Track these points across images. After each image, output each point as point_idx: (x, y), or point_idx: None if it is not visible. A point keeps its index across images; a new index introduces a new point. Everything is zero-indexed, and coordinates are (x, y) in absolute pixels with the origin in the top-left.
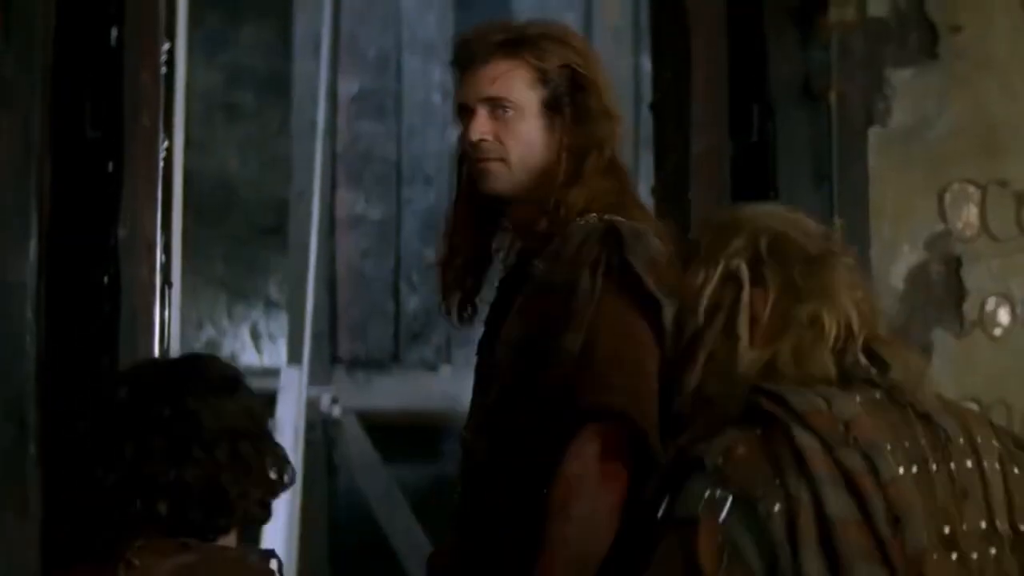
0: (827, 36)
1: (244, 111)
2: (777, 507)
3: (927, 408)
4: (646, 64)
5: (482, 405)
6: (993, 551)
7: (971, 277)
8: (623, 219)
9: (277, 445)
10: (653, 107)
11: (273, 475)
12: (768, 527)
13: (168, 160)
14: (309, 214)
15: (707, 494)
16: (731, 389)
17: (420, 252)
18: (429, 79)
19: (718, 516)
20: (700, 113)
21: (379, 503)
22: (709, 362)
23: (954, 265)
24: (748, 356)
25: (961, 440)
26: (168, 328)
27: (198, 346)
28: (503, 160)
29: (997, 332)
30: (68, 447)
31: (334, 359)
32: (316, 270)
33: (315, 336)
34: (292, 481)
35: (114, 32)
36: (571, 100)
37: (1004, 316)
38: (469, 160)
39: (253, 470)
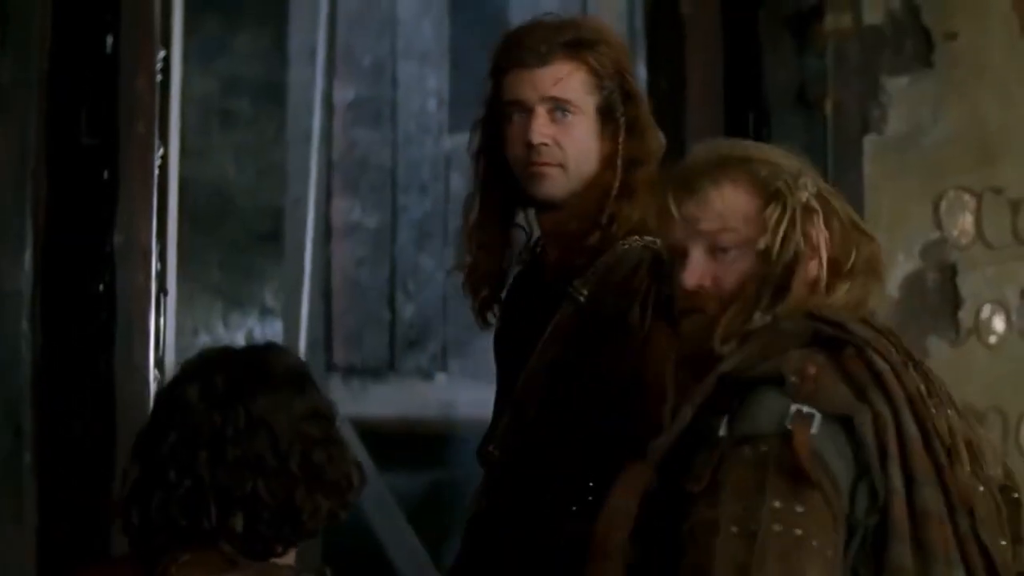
0: (823, 44)
1: (240, 118)
2: (867, 424)
3: (922, 359)
4: (641, 72)
5: (515, 423)
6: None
7: (966, 285)
8: None
9: (347, 448)
10: None
11: (344, 483)
12: (862, 443)
13: (163, 167)
14: (304, 222)
15: (792, 410)
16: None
17: (416, 260)
18: (425, 87)
19: (809, 430)
20: (696, 121)
21: (374, 511)
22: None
23: (949, 273)
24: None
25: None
26: (163, 335)
27: (193, 354)
28: (562, 165)
29: (992, 340)
30: (64, 452)
31: (329, 367)
32: (311, 278)
33: (310, 344)
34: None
35: (110, 39)
36: (624, 109)
37: (999, 324)
38: (521, 162)
39: (325, 481)
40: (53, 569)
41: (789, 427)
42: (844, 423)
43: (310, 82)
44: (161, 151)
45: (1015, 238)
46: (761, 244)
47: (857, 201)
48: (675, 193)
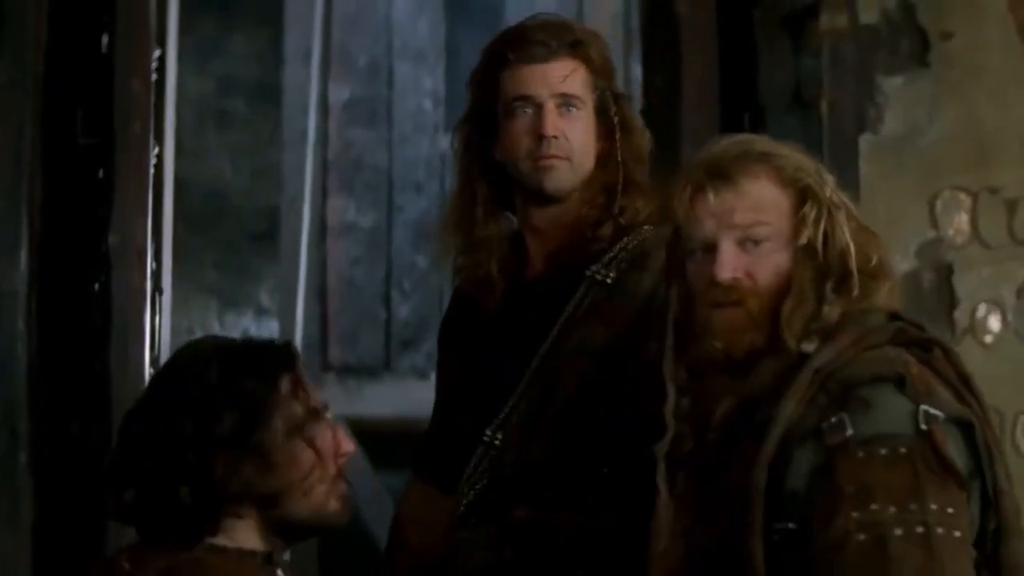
0: (818, 44)
1: (235, 118)
2: (978, 426)
3: None
4: (637, 71)
5: (532, 410)
6: None
7: (962, 284)
8: None
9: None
10: (644, 114)
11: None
12: (977, 445)
13: (159, 167)
14: (300, 221)
15: (921, 411)
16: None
17: (411, 259)
18: (420, 86)
19: (940, 431)
20: (691, 120)
21: (370, 510)
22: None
23: (945, 272)
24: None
25: None
26: (159, 335)
27: None
28: (569, 159)
29: (988, 339)
30: (60, 452)
31: (325, 366)
32: (307, 277)
33: (306, 343)
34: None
35: (105, 39)
36: (616, 108)
37: (995, 323)
38: (528, 156)
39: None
40: (49, 569)
41: (924, 427)
42: (959, 425)
43: (305, 82)
44: (157, 151)
45: (1011, 238)
46: (803, 239)
47: (853, 201)
48: (711, 182)
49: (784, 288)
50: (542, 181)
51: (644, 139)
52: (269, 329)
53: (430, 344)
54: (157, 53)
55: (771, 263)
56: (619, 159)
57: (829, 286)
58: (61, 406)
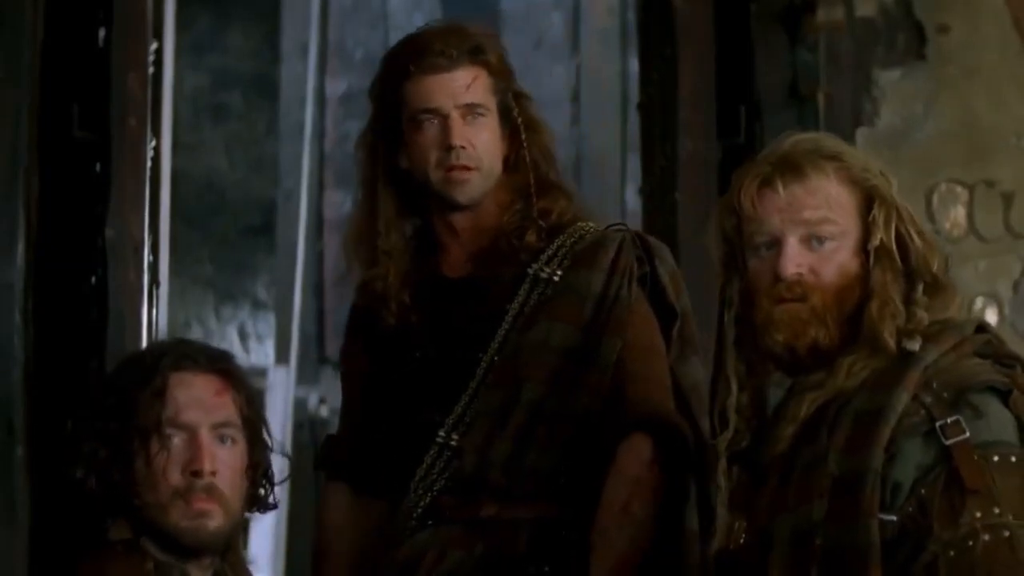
0: (815, 37)
1: (232, 112)
2: None
3: None
4: (634, 66)
5: (491, 408)
6: None
7: (959, 278)
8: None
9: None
10: (641, 108)
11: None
12: None
13: (156, 161)
14: (297, 215)
15: None
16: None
17: None
18: None
19: None
20: (688, 114)
21: None
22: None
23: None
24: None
25: None
26: (156, 328)
27: None
28: (478, 168)
29: None
30: (57, 447)
31: (321, 359)
32: (304, 270)
33: (302, 336)
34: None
35: (102, 33)
36: (519, 109)
37: (991, 316)
38: (437, 166)
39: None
40: (45, 565)
41: None
42: None
43: (302, 76)
44: (153, 145)
45: (1007, 231)
46: (876, 240)
47: None
48: (781, 176)
49: (847, 287)
50: (454, 194)
51: (550, 137)
52: (266, 322)
53: None
54: (154, 47)
55: (835, 262)
56: (527, 160)
57: (920, 289)
58: (58, 400)
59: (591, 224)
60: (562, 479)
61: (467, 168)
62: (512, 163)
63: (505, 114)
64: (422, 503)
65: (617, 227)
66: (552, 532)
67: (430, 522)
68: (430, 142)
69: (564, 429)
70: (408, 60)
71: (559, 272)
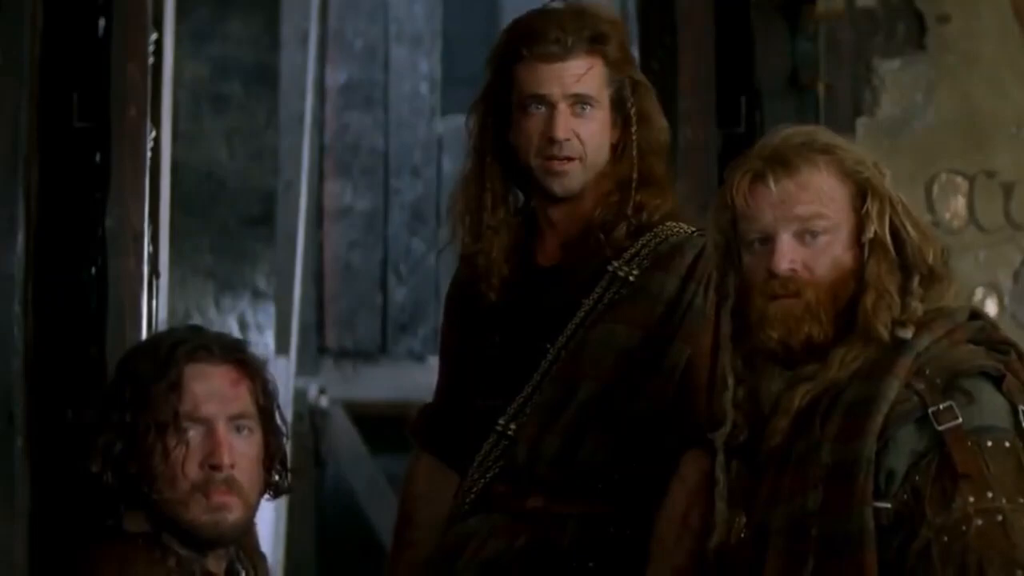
0: (815, 27)
1: (231, 102)
2: None
3: None
4: (634, 55)
5: (549, 402)
6: None
7: (959, 268)
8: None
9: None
10: None
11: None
12: None
13: (155, 151)
14: (296, 205)
15: (1021, 410)
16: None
17: (408, 243)
18: (416, 70)
19: None
20: (688, 104)
21: (366, 494)
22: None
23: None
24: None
25: None
26: (155, 318)
27: None
28: (580, 160)
29: None
30: (57, 437)
31: (321, 350)
32: (303, 261)
33: (302, 327)
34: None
35: (101, 23)
36: (634, 99)
37: (991, 307)
38: (538, 155)
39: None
40: (45, 555)
41: None
42: None
43: (302, 66)
44: (153, 135)
45: (1007, 221)
46: (869, 233)
47: None
48: (772, 171)
49: (841, 281)
50: (551, 184)
51: (663, 131)
52: (266, 313)
53: (426, 328)
54: (154, 37)
55: (828, 256)
56: (634, 152)
57: (916, 280)
58: (58, 390)
59: (681, 225)
60: (615, 476)
61: (568, 159)
62: (619, 152)
63: (619, 104)
64: (475, 488)
65: (702, 232)
66: (598, 528)
67: (482, 508)
68: (535, 129)
69: (618, 430)
70: (522, 43)
71: (635, 272)
